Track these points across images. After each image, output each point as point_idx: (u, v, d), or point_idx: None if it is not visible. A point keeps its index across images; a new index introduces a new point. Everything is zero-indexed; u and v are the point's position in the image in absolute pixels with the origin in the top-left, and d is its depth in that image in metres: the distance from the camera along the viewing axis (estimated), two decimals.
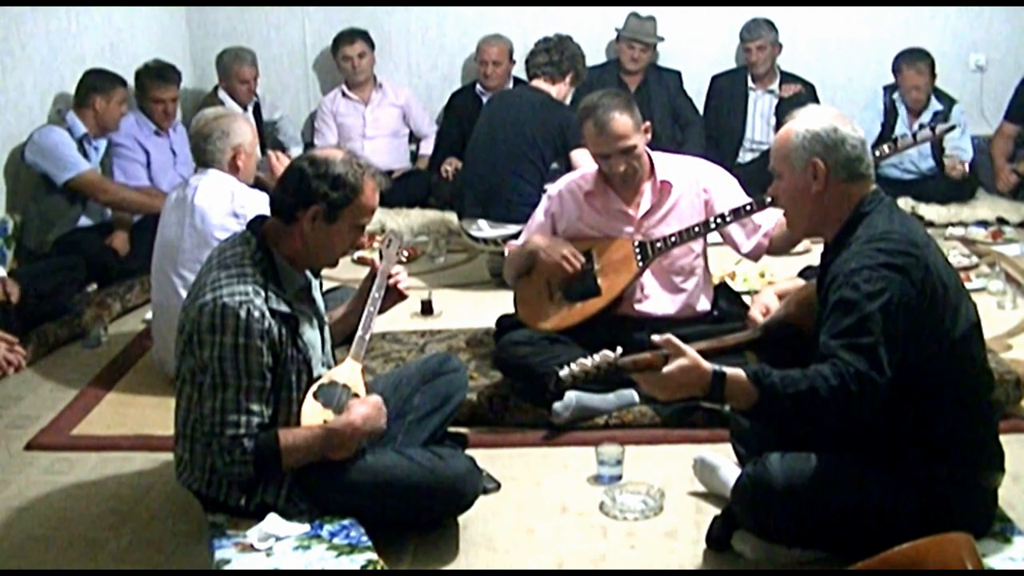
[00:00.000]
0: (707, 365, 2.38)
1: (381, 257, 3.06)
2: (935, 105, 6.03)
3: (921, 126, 5.69)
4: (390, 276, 3.00)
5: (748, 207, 3.50)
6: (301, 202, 2.66)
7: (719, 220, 3.54)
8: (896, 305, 2.34)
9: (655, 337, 2.43)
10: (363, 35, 6.43)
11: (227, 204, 3.70)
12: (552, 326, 3.61)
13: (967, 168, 5.93)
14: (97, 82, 5.00)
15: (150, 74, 5.43)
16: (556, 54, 4.98)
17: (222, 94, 6.05)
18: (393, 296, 3.03)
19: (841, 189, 2.52)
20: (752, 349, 2.79)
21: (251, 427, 2.59)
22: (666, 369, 2.38)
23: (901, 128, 5.96)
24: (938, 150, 6.02)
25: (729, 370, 2.37)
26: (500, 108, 5.06)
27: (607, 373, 2.47)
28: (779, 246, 3.65)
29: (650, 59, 6.31)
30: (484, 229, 4.89)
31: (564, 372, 2.46)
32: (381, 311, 2.98)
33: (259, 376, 2.59)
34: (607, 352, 2.47)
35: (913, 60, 5.96)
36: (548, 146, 4.87)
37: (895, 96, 6.08)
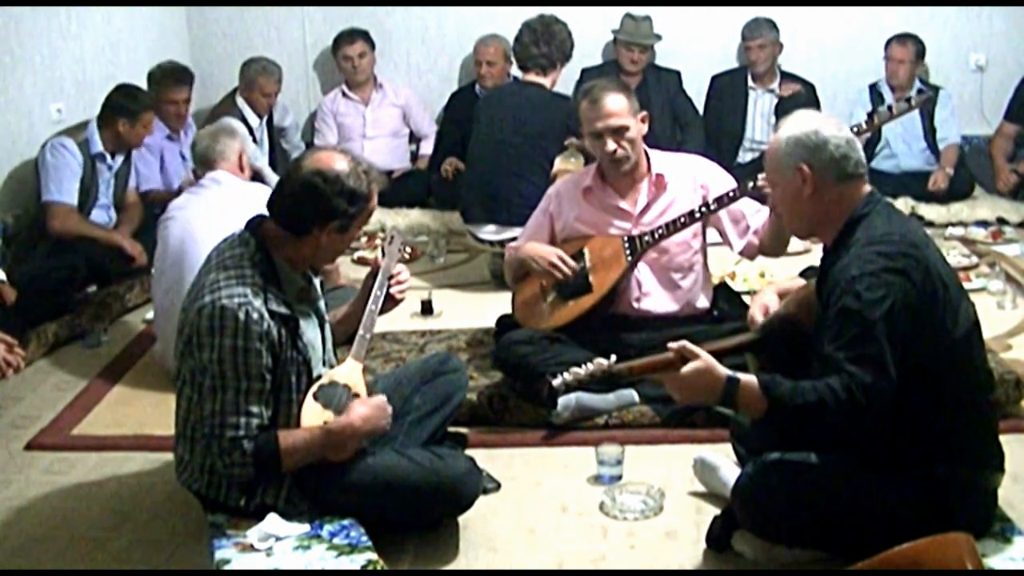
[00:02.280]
0: (721, 371, 2.40)
1: (383, 254, 3.06)
2: (918, 85, 6.11)
3: (899, 100, 5.68)
4: (392, 276, 3.00)
5: (731, 194, 3.50)
6: (320, 220, 2.65)
7: (704, 210, 3.53)
8: (899, 310, 2.34)
9: (671, 345, 2.45)
10: (364, 35, 6.43)
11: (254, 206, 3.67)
12: (546, 325, 3.62)
13: (949, 175, 5.94)
14: (126, 104, 4.88)
15: (164, 75, 5.43)
16: (545, 45, 4.96)
17: (240, 101, 6.00)
18: (391, 301, 3.02)
19: (835, 191, 2.52)
20: (752, 350, 2.79)
21: (250, 429, 2.59)
22: (683, 371, 2.41)
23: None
24: (930, 136, 6.10)
25: (742, 377, 2.39)
26: (498, 109, 5.03)
27: (601, 380, 2.50)
28: (771, 246, 3.62)
29: (648, 59, 6.31)
30: (491, 233, 4.89)
31: (557, 381, 2.49)
32: (382, 312, 2.98)
33: (258, 378, 2.59)
34: (600, 360, 2.50)
35: (902, 38, 6.09)
36: (553, 142, 4.86)
37: (880, 88, 6.14)
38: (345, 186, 2.64)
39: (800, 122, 2.57)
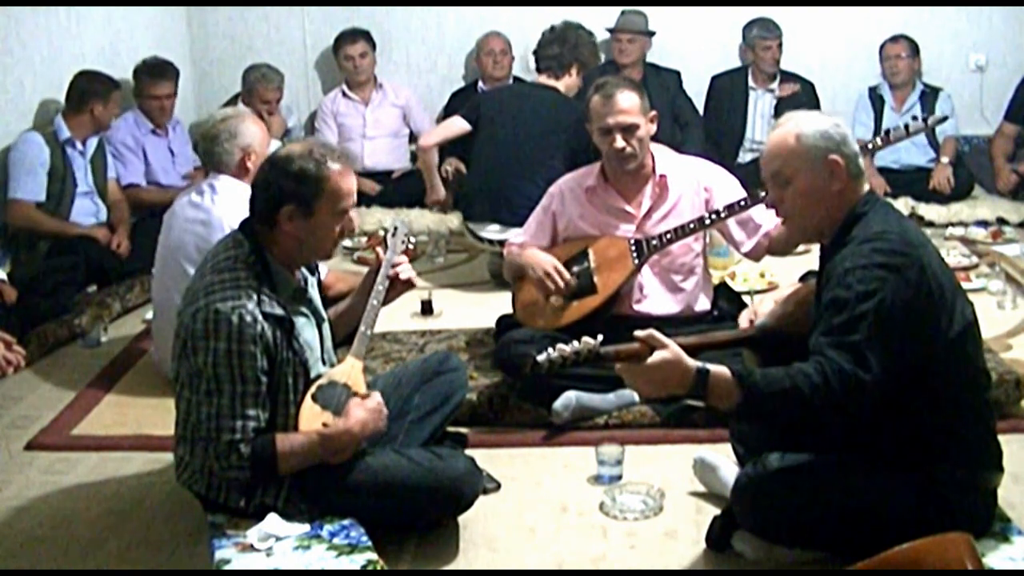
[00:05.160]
0: (690, 362, 2.33)
1: (386, 247, 3.04)
2: (920, 86, 6.23)
3: (914, 118, 5.72)
4: (393, 266, 2.98)
5: (742, 203, 3.50)
6: (273, 205, 2.65)
7: (714, 216, 3.52)
8: (890, 305, 2.34)
9: (637, 332, 2.37)
10: (365, 35, 6.44)
11: (242, 214, 3.66)
12: (548, 325, 3.61)
13: (951, 173, 6.03)
14: (95, 87, 4.95)
15: (146, 70, 5.48)
16: (558, 46, 4.96)
17: (241, 107, 6.04)
18: (399, 287, 3.00)
19: (851, 187, 2.52)
20: (748, 347, 2.78)
21: (247, 432, 2.59)
22: (649, 361, 2.33)
23: (889, 115, 6.16)
24: (931, 131, 6.15)
25: (713, 368, 2.33)
26: (508, 109, 4.99)
27: (587, 360, 2.42)
28: (779, 246, 3.64)
29: (642, 52, 6.30)
30: (493, 232, 4.88)
31: (542, 357, 2.43)
32: (387, 301, 2.95)
33: (254, 381, 2.59)
34: (588, 339, 2.42)
35: (893, 37, 6.24)
36: (562, 146, 4.83)
37: (880, 91, 6.22)
38: (291, 167, 2.63)
39: (816, 117, 2.55)
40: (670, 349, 2.33)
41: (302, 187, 2.64)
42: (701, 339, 2.62)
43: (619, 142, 3.55)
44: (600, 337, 2.44)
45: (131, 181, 5.44)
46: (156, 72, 5.48)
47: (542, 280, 3.64)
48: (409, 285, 3.03)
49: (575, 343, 2.42)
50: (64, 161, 4.88)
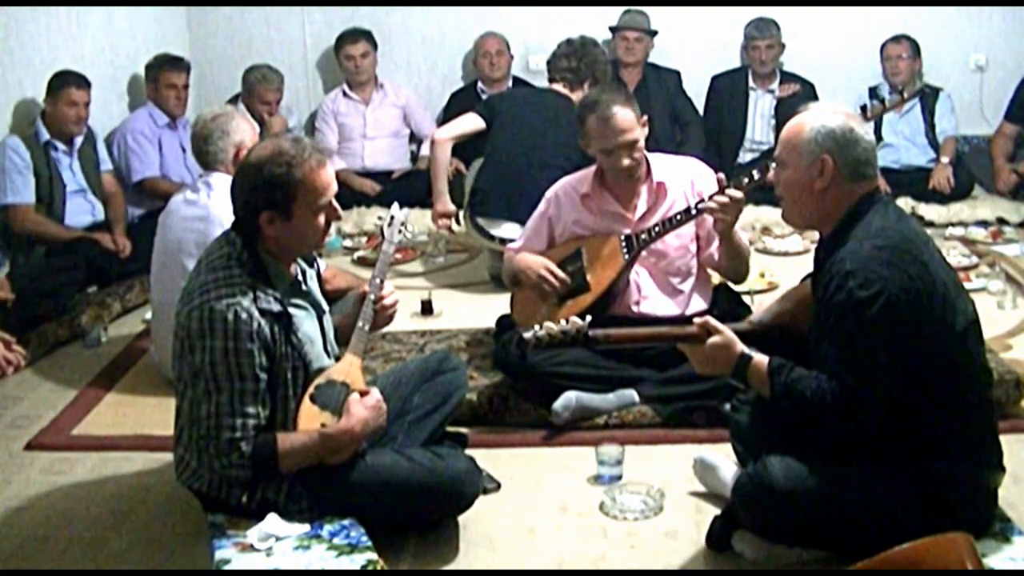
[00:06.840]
0: (739, 348, 2.53)
1: (383, 236, 3.04)
2: (920, 86, 6.18)
3: (891, 94, 5.67)
4: (378, 299, 2.94)
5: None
6: (250, 213, 2.65)
7: (699, 206, 3.50)
8: (894, 304, 2.35)
9: (696, 320, 2.60)
10: (366, 35, 6.44)
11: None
12: None
13: (951, 173, 6.02)
14: (50, 83, 4.92)
15: (165, 60, 5.61)
16: (576, 60, 4.93)
17: (241, 107, 6.03)
18: (382, 318, 2.98)
19: (845, 189, 2.52)
20: (744, 342, 2.79)
21: (247, 430, 2.59)
22: (707, 343, 2.54)
23: (888, 115, 6.14)
24: (931, 132, 6.19)
25: (756, 356, 2.51)
26: (527, 110, 4.98)
27: (575, 341, 2.53)
28: (728, 269, 3.65)
29: (646, 51, 6.31)
30: (508, 231, 4.84)
31: (528, 333, 2.49)
32: (371, 330, 2.94)
33: (252, 378, 2.59)
34: (576, 319, 2.54)
35: (895, 37, 6.23)
36: (571, 153, 4.81)
37: (880, 92, 6.19)
38: (260, 175, 2.62)
39: (834, 114, 2.56)
40: (723, 335, 2.56)
41: (275, 194, 2.62)
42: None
43: (623, 161, 3.56)
44: (588, 318, 2.49)
45: (147, 174, 5.48)
46: (173, 62, 5.61)
47: (537, 283, 3.64)
48: (390, 317, 3.00)
49: (563, 322, 2.48)
50: (48, 162, 4.88)
